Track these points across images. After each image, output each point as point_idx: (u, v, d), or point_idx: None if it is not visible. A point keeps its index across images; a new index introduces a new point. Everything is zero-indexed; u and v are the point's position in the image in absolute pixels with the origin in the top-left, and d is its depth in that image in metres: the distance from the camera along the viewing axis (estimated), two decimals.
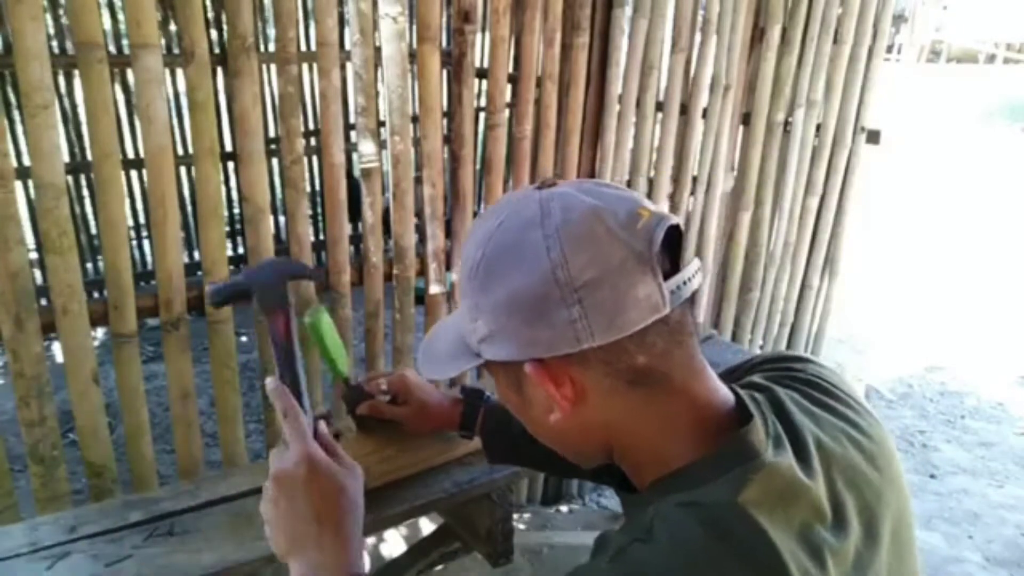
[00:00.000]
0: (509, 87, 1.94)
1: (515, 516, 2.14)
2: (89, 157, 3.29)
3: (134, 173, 3.95)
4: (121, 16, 3.93)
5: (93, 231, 3.92)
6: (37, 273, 3.18)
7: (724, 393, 0.63)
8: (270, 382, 0.84)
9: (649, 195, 2.23)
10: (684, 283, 0.58)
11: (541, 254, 0.56)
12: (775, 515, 0.54)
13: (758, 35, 2.32)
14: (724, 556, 0.52)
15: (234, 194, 4.20)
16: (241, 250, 4.24)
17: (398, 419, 1.16)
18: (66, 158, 3.61)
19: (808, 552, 0.54)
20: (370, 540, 2.26)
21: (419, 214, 1.81)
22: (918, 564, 0.67)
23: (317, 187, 4.28)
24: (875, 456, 0.64)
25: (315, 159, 4.25)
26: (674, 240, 0.60)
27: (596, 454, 0.66)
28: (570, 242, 0.55)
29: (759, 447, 0.58)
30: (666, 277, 0.56)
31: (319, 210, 4.32)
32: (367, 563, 1.05)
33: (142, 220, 4.18)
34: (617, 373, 0.58)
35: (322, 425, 0.84)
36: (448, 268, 1.87)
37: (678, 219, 0.59)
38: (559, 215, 0.57)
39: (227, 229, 3.89)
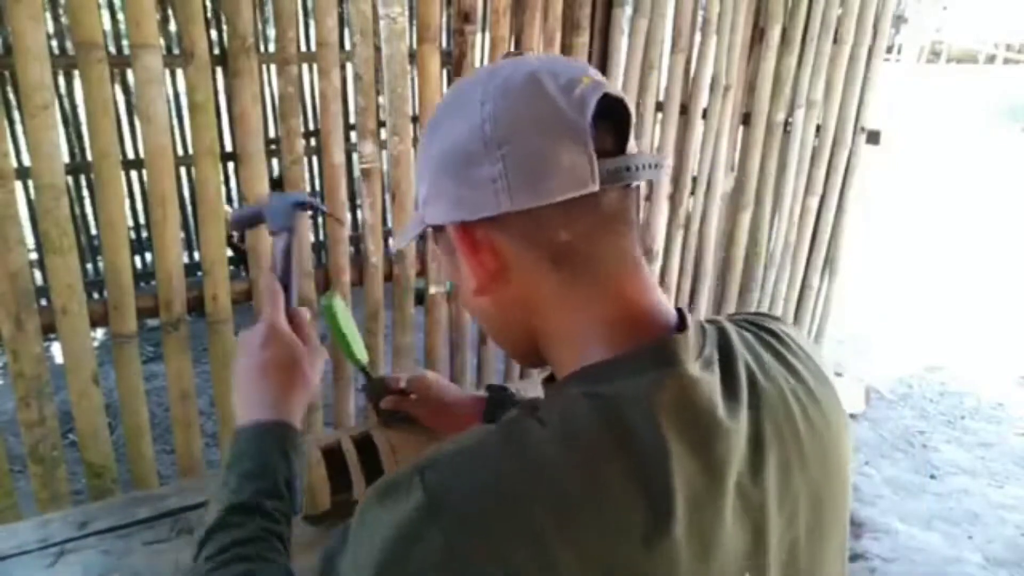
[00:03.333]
0: None
1: None
2: (89, 157, 3.29)
3: (134, 173, 3.95)
4: (121, 16, 3.93)
5: (93, 231, 3.92)
6: (37, 273, 3.18)
7: (662, 303, 0.58)
8: (266, 273, 0.89)
9: (649, 195, 2.23)
10: (628, 168, 0.54)
11: (475, 107, 0.55)
12: (682, 431, 0.50)
13: (758, 35, 2.32)
14: (612, 452, 0.48)
15: (234, 194, 4.20)
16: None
17: (418, 417, 1.15)
18: (66, 158, 3.62)
19: (705, 483, 0.50)
20: None
21: None
22: (843, 558, 0.62)
23: (317, 187, 4.28)
24: (816, 425, 0.59)
25: (315, 159, 4.25)
26: (623, 122, 0.56)
27: (522, 341, 0.62)
28: (504, 97, 0.54)
29: (682, 357, 0.54)
30: (606, 156, 0.53)
31: None
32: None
33: (142, 220, 4.19)
34: (538, 246, 0.55)
35: (305, 312, 0.88)
36: None
37: (621, 94, 0.56)
38: (504, 73, 0.56)
39: None
